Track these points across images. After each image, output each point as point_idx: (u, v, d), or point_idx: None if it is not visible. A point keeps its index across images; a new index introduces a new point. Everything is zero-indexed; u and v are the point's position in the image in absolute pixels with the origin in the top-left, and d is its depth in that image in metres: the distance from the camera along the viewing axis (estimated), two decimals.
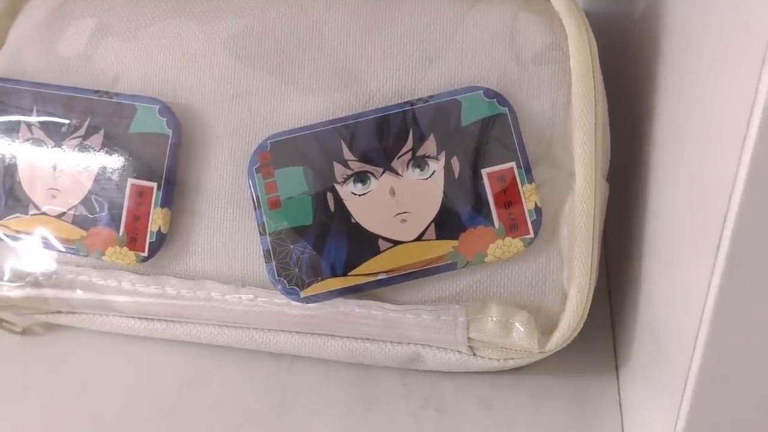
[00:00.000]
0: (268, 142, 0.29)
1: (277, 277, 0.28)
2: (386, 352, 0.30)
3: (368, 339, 0.30)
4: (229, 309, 0.30)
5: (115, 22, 0.31)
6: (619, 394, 0.30)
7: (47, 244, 0.31)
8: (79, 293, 0.31)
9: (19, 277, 0.31)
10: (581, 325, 0.27)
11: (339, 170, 0.28)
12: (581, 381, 0.30)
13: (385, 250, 0.28)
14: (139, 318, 0.32)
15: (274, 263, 0.28)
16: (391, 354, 0.30)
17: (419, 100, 0.28)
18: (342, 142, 0.28)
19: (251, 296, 0.29)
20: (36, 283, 0.31)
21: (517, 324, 0.27)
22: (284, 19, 0.30)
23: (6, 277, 0.31)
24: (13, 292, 0.31)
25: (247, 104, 0.29)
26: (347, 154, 0.28)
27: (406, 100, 0.28)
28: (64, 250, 0.30)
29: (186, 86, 0.30)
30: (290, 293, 0.28)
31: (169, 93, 0.30)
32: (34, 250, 0.31)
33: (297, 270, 0.28)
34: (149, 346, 0.32)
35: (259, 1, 0.30)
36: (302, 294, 0.28)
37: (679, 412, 0.21)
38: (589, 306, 0.27)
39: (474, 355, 0.29)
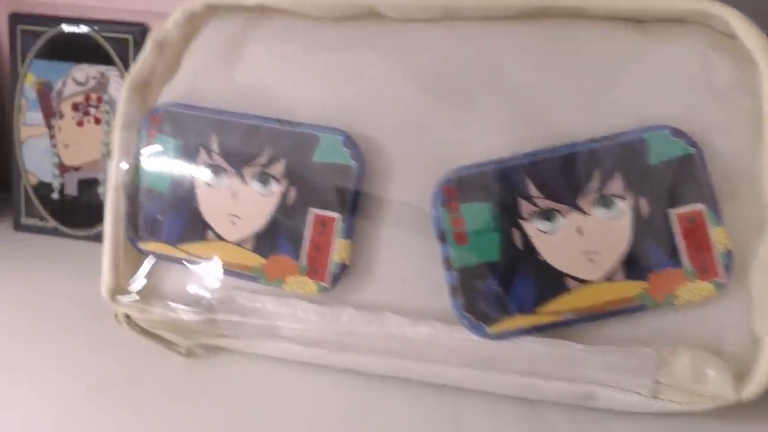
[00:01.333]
0: (453, 176, 0.29)
1: (463, 313, 0.28)
2: (559, 389, 0.30)
3: (541, 376, 0.30)
4: (405, 341, 0.30)
5: (294, 51, 0.31)
6: None
7: (225, 270, 0.31)
8: (251, 319, 0.31)
9: (194, 301, 0.32)
10: None
11: (525, 207, 0.28)
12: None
13: (574, 288, 0.28)
14: (306, 345, 0.32)
15: (460, 298, 0.28)
16: (564, 391, 0.30)
17: (605, 137, 0.28)
18: (528, 178, 0.28)
19: (432, 330, 0.29)
20: (210, 308, 0.32)
21: (709, 370, 0.27)
22: (466, 53, 0.30)
23: (182, 301, 0.32)
24: (188, 316, 0.32)
25: (430, 137, 0.29)
26: (533, 190, 0.28)
27: (590, 138, 0.29)
28: (242, 276, 0.31)
29: (368, 117, 0.30)
30: (477, 329, 0.28)
31: (352, 123, 0.30)
32: (211, 275, 0.31)
33: (484, 306, 0.28)
34: (312, 373, 0.33)
35: (440, 34, 0.30)
36: (489, 330, 0.28)
37: None
38: None
39: (655, 397, 0.29)
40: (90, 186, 0.42)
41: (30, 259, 0.41)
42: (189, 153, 0.31)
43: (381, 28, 0.30)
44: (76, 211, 0.42)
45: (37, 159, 0.42)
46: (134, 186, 0.32)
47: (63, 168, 0.42)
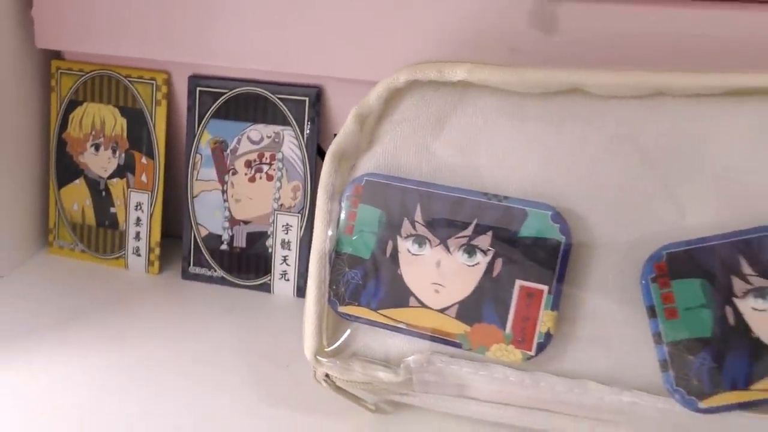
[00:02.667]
0: (663, 252, 0.30)
1: (675, 387, 0.29)
2: None
3: None
4: (606, 407, 0.31)
5: (497, 125, 0.32)
6: None
7: (427, 336, 0.32)
8: (448, 379, 0.33)
9: (393, 362, 0.33)
10: None
11: (738, 285, 0.29)
12: None
13: None
14: (493, 403, 0.33)
15: (671, 372, 0.29)
16: None
17: None
18: (740, 256, 0.29)
19: (635, 400, 0.30)
20: (408, 369, 0.33)
21: None
22: (676, 130, 0.31)
23: (381, 362, 0.33)
24: (387, 376, 0.33)
25: (640, 213, 0.30)
26: (746, 269, 0.29)
27: None
28: (445, 342, 0.32)
29: (577, 193, 0.31)
30: (689, 403, 0.29)
31: (559, 198, 0.31)
32: (412, 339, 0.33)
33: (696, 381, 0.29)
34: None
35: (649, 111, 0.31)
36: (701, 404, 0.29)
37: None
38: None
39: None
40: (258, 239, 0.43)
41: (199, 307, 0.43)
42: (392, 223, 0.33)
43: (589, 102, 0.32)
44: (243, 261, 0.44)
45: (208, 212, 0.44)
46: (336, 254, 0.34)
47: (233, 221, 0.44)
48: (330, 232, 0.34)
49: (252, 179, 0.43)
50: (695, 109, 0.31)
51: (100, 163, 0.46)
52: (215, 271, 0.44)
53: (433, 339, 0.32)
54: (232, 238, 0.44)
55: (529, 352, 0.31)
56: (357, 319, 0.34)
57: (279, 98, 0.42)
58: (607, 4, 0.35)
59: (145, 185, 0.45)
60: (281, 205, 0.43)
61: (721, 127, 0.30)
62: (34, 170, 0.47)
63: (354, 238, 0.33)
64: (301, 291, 0.43)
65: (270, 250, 0.43)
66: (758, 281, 0.29)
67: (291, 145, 0.42)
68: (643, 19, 0.34)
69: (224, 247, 0.44)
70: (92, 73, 0.45)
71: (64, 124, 0.46)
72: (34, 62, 0.46)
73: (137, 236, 0.45)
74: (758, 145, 0.30)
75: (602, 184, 0.31)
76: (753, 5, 0.34)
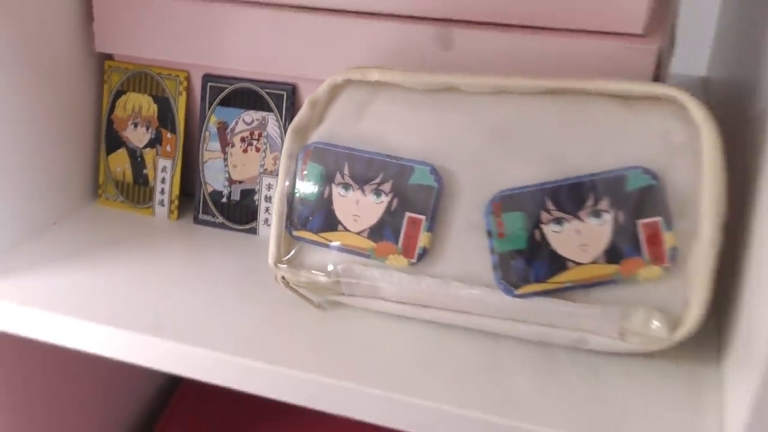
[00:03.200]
0: (498, 195, 0.45)
1: (500, 281, 0.45)
2: (563, 335, 0.45)
3: (551, 325, 0.45)
4: (462, 300, 0.46)
5: (399, 111, 0.48)
6: (720, 375, 0.44)
7: (348, 250, 0.48)
8: (363, 281, 0.48)
9: (326, 269, 0.49)
10: (699, 325, 0.42)
11: (544, 216, 0.44)
12: (693, 365, 0.45)
13: (571, 267, 0.44)
14: (397, 302, 0.49)
15: (499, 272, 0.45)
16: (566, 337, 0.45)
17: (598, 173, 0.44)
18: (546, 198, 0.44)
19: (479, 292, 0.46)
20: (336, 274, 0.49)
21: (654, 321, 0.42)
22: (513, 115, 0.46)
23: (318, 269, 0.49)
24: (321, 279, 0.49)
25: (486, 169, 0.46)
26: (550, 205, 0.44)
27: (588, 173, 0.44)
28: (359, 254, 0.48)
29: (447, 156, 0.46)
30: (508, 292, 0.44)
31: (435, 159, 0.47)
32: (339, 253, 0.49)
33: (514, 277, 0.44)
34: (400, 322, 0.49)
35: (497, 102, 0.46)
36: (516, 292, 0.44)
37: (756, 388, 0.35)
38: (705, 313, 0.42)
39: (623, 340, 0.44)
40: (249, 194, 0.60)
41: (205, 243, 0.59)
42: (329, 175, 0.49)
43: (458, 97, 0.47)
44: (237, 211, 0.60)
45: (213, 174, 0.60)
46: (292, 195, 0.50)
47: (231, 181, 0.60)
48: (287, 182, 0.50)
49: (245, 150, 0.59)
50: (525, 102, 0.46)
51: (138, 137, 0.62)
52: (217, 217, 0.61)
53: (352, 252, 0.48)
54: (230, 193, 0.60)
55: (412, 260, 0.47)
56: (304, 239, 0.50)
57: (266, 92, 0.58)
58: (484, 31, 0.51)
59: (169, 153, 0.61)
60: (265, 169, 0.59)
61: (541, 113, 0.46)
62: (89, 142, 0.64)
63: (304, 184, 0.49)
64: None
65: (257, 202, 0.59)
66: (556, 213, 0.44)
67: (273, 126, 0.58)
68: (505, 41, 0.50)
69: (224, 200, 0.60)
70: (134, 70, 0.62)
71: (112, 108, 0.63)
72: (93, 62, 0.63)
73: (162, 191, 0.62)
74: (562, 126, 0.45)
75: (465, 151, 0.46)
76: (566, 33, 0.49)
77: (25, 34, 0.55)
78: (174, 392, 0.83)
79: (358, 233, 0.48)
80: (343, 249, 0.48)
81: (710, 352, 0.47)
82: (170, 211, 0.62)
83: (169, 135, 0.61)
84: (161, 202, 0.62)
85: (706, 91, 0.92)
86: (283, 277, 0.50)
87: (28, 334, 0.52)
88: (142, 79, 0.61)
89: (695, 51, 1.00)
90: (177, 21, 0.58)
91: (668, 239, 0.43)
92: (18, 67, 0.55)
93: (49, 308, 0.50)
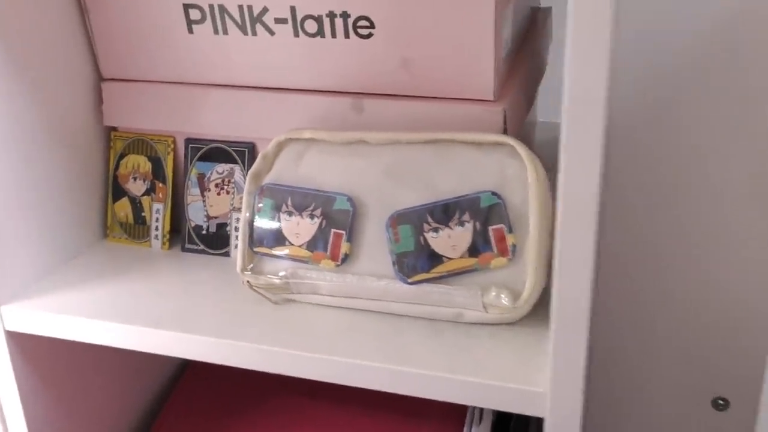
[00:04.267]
0: (395, 214, 0.64)
1: (398, 273, 0.64)
2: (446, 312, 0.64)
3: (436, 305, 0.64)
4: (374, 290, 0.65)
5: (326, 158, 0.68)
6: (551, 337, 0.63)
7: (293, 259, 0.67)
8: (305, 281, 0.67)
9: (277, 274, 0.68)
10: (535, 297, 0.61)
11: (426, 227, 0.64)
12: (536, 329, 0.64)
13: (446, 261, 0.63)
14: (330, 295, 0.68)
15: (396, 267, 0.64)
16: (449, 313, 0.64)
17: (461, 196, 0.64)
18: (427, 214, 0.64)
19: (385, 283, 0.65)
20: (286, 277, 0.68)
21: (503, 295, 0.62)
22: (402, 158, 0.66)
23: (273, 274, 0.68)
24: (276, 281, 0.68)
25: (384, 197, 0.65)
26: (429, 219, 0.64)
27: (455, 196, 0.64)
28: (301, 261, 0.67)
29: (358, 188, 0.66)
30: (403, 280, 0.64)
31: (350, 191, 0.66)
32: (287, 261, 0.68)
33: (407, 270, 0.63)
34: (334, 311, 0.68)
35: (392, 149, 0.66)
36: (409, 280, 0.63)
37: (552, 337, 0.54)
38: (537, 288, 0.61)
39: (486, 312, 0.63)
40: (222, 226, 0.79)
41: (191, 265, 0.78)
42: (277, 206, 0.68)
43: (365, 146, 0.67)
44: (214, 240, 0.79)
45: (195, 213, 0.79)
46: (252, 222, 0.69)
47: (209, 217, 0.79)
48: (248, 213, 0.69)
49: (219, 194, 0.78)
50: (412, 148, 0.66)
51: (137, 187, 0.81)
52: (200, 245, 0.79)
53: (296, 260, 0.67)
54: (208, 227, 0.79)
55: (337, 263, 0.66)
56: (261, 253, 0.69)
57: (232, 149, 0.78)
58: (384, 100, 0.71)
59: (161, 199, 0.81)
60: (234, 207, 0.78)
61: (422, 156, 0.65)
62: (99, 193, 0.83)
63: (260, 214, 0.69)
64: None
65: (228, 232, 0.78)
66: (434, 224, 0.64)
67: (239, 174, 0.78)
68: (397, 106, 0.70)
69: (204, 232, 0.79)
70: (133, 138, 0.81)
71: (117, 167, 0.82)
72: (101, 133, 0.82)
73: (156, 228, 0.81)
74: (436, 165, 0.65)
75: (370, 184, 0.66)
76: (439, 99, 0.69)
77: (50, 113, 0.75)
78: (174, 387, 1.01)
79: (299, 246, 0.67)
80: (289, 258, 0.68)
81: (547, 320, 0.66)
82: (163, 243, 0.81)
83: (160, 185, 0.80)
84: (156, 237, 0.81)
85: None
86: (248, 282, 0.69)
87: (62, 335, 0.70)
88: (140, 144, 0.81)
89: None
90: (165, 100, 0.78)
91: (510, 239, 0.62)
92: (44, 136, 0.74)
93: (77, 314, 0.69)
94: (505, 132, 0.68)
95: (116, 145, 0.82)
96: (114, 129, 0.83)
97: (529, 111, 0.79)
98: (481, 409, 0.81)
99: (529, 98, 0.78)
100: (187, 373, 0.98)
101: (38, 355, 0.76)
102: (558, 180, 0.51)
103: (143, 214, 0.81)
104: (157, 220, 0.81)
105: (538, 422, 0.61)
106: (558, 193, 0.51)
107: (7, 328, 0.71)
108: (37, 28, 0.72)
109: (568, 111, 0.48)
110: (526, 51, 0.79)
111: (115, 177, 0.82)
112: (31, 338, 0.74)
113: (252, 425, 0.91)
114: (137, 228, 0.82)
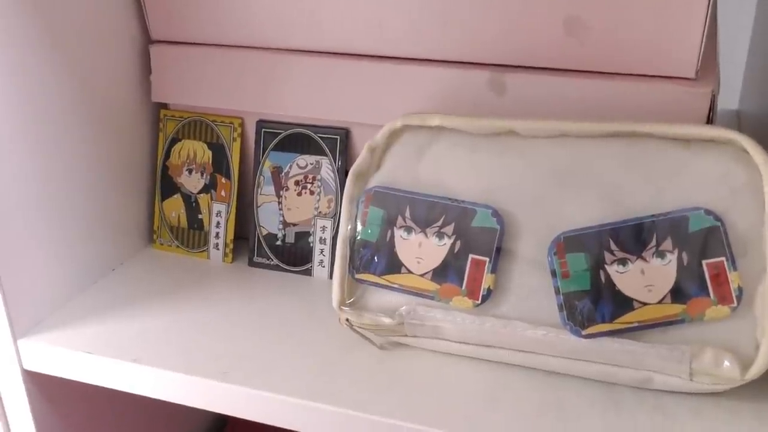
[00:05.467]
0: (561, 236, 0.46)
1: (567, 321, 0.45)
2: (629, 375, 0.46)
3: (616, 365, 0.46)
4: (527, 340, 0.47)
5: (459, 154, 0.49)
6: None
7: (412, 292, 0.49)
8: (427, 323, 0.49)
9: (390, 311, 0.50)
10: None
11: (608, 256, 0.45)
12: (761, 403, 0.45)
13: (638, 308, 0.44)
14: (460, 342, 0.49)
15: (565, 312, 0.45)
16: (632, 377, 0.46)
17: (660, 214, 0.45)
18: (609, 238, 0.45)
19: (545, 332, 0.46)
20: (401, 316, 0.49)
21: (725, 361, 0.43)
22: (573, 158, 0.47)
23: (382, 311, 0.50)
24: (386, 321, 0.49)
25: (547, 211, 0.47)
26: (613, 246, 0.45)
27: (650, 214, 0.45)
28: (423, 296, 0.49)
29: (508, 198, 0.47)
30: (575, 332, 0.45)
31: (497, 202, 0.47)
32: (403, 295, 0.49)
33: (580, 318, 0.45)
34: (463, 362, 0.50)
35: (556, 146, 0.47)
36: (584, 333, 0.45)
37: None
38: None
39: (691, 380, 0.44)
40: (303, 236, 0.61)
41: (261, 286, 0.60)
42: (390, 218, 0.50)
43: (516, 140, 0.48)
44: (292, 253, 0.61)
45: (267, 217, 0.61)
46: (354, 239, 0.51)
47: (285, 224, 0.61)
48: (350, 225, 0.51)
49: (299, 194, 0.60)
50: (586, 145, 0.47)
51: (192, 182, 0.64)
52: (272, 260, 0.62)
53: (416, 294, 0.49)
54: (284, 236, 0.61)
55: (476, 301, 0.47)
56: (367, 282, 0.50)
57: (319, 136, 0.59)
58: (536, 75, 0.52)
59: (224, 198, 0.63)
60: (319, 212, 0.60)
61: (601, 156, 0.47)
62: (145, 188, 0.65)
63: (366, 228, 0.50)
64: (332, 274, 0.60)
65: (311, 244, 0.60)
66: (620, 254, 0.45)
67: (327, 169, 0.59)
68: (557, 85, 0.51)
69: (279, 242, 0.61)
70: (188, 118, 0.63)
71: (167, 155, 0.64)
72: (149, 111, 0.64)
73: (217, 235, 0.63)
74: (621, 168, 0.46)
75: (525, 193, 0.47)
76: (618, 76, 0.50)
77: (83, 86, 0.57)
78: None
79: (422, 275, 0.49)
80: (407, 291, 0.49)
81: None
82: (225, 254, 0.63)
83: (223, 180, 0.62)
84: (216, 246, 0.63)
85: (740, 124, 0.92)
86: (347, 320, 0.50)
87: (95, 381, 0.52)
88: (197, 126, 0.63)
89: (726, 84, 1.01)
90: (230, 70, 0.60)
91: (734, 279, 0.43)
92: (76, 116, 0.57)
93: (114, 356, 0.51)
94: (710, 122, 0.49)
95: (167, 127, 0.64)
96: (164, 107, 0.65)
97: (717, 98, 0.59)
98: None
99: (719, 82, 0.58)
100: (231, 424, 0.81)
101: (63, 399, 0.58)
102: None
103: (200, 216, 0.63)
104: (218, 224, 0.63)
105: None
106: None
107: (26, 367, 0.54)
108: None
109: None
110: (714, 22, 0.59)
111: (165, 168, 0.64)
112: (54, 379, 0.56)
113: None
114: (192, 234, 0.64)
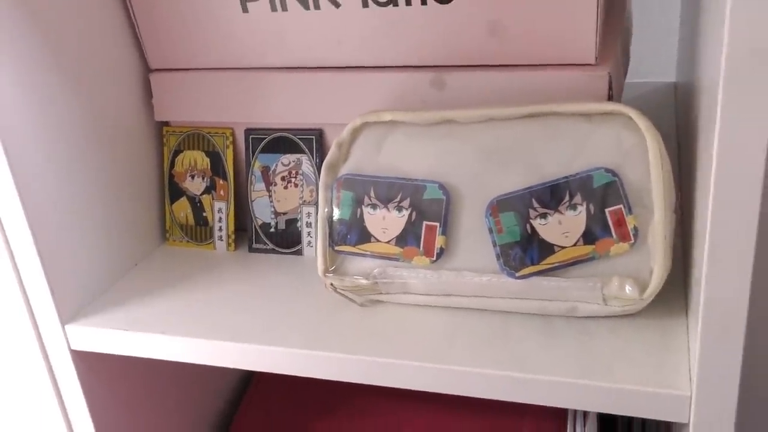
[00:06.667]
0: (495, 200, 0.57)
1: (504, 267, 0.56)
2: (558, 306, 0.57)
3: (547, 299, 0.57)
4: (475, 286, 0.58)
5: (409, 143, 0.60)
6: (687, 326, 0.56)
7: (381, 256, 0.60)
8: (396, 281, 0.60)
9: (365, 274, 0.61)
10: (661, 286, 0.54)
11: (532, 213, 0.56)
12: (665, 320, 0.57)
13: (558, 251, 0.56)
14: (424, 294, 0.61)
15: (501, 260, 0.57)
16: (561, 307, 0.57)
17: (571, 176, 0.56)
18: (532, 198, 0.56)
19: (488, 278, 0.57)
20: (374, 276, 0.61)
21: (627, 285, 0.54)
22: (500, 137, 0.58)
23: (359, 274, 0.61)
24: (363, 282, 0.61)
25: (483, 181, 0.58)
26: (536, 204, 0.56)
27: (563, 176, 0.56)
28: (390, 259, 0.60)
29: (451, 174, 0.59)
30: (511, 275, 0.56)
31: (442, 177, 0.59)
32: (374, 259, 0.61)
33: (514, 263, 0.56)
34: (429, 310, 0.61)
35: (486, 128, 0.59)
36: (517, 275, 0.56)
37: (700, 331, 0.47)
38: (665, 276, 0.54)
39: (606, 305, 0.56)
40: (292, 222, 0.72)
41: (261, 267, 0.72)
42: (358, 199, 0.61)
43: (455, 126, 0.59)
44: (284, 237, 0.72)
45: (261, 210, 0.73)
46: (331, 218, 0.62)
47: (276, 213, 0.72)
48: (326, 208, 0.62)
49: (286, 187, 0.72)
50: (508, 126, 0.58)
51: (195, 186, 0.75)
52: (268, 245, 0.73)
53: (385, 258, 0.60)
54: (276, 224, 0.72)
55: (432, 258, 0.59)
56: (344, 252, 0.62)
57: (298, 138, 0.71)
58: (469, 72, 0.63)
59: (223, 197, 0.74)
60: (304, 201, 0.71)
61: (523, 133, 0.58)
62: (155, 194, 0.77)
63: (340, 209, 0.62)
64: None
65: (300, 229, 0.72)
66: (541, 210, 0.56)
67: (307, 165, 0.71)
68: (486, 78, 0.62)
69: (272, 230, 0.73)
70: (187, 132, 0.75)
71: (172, 165, 0.76)
72: (154, 129, 0.76)
73: (220, 229, 0.74)
74: (539, 142, 0.57)
75: (464, 168, 0.58)
76: (534, 67, 0.61)
77: (96, 112, 0.68)
78: (246, 390, 0.95)
79: (388, 242, 0.60)
80: (377, 256, 0.61)
81: (679, 309, 0.58)
82: (228, 244, 0.74)
83: (221, 182, 0.74)
84: (220, 238, 0.75)
85: (676, 95, 1.03)
86: (331, 284, 0.62)
87: (131, 353, 0.64)
88: (195, 138, 0.74)
89: (667, 58, 1.12)
90: (219, 89, 0.71)
91: (630, 221, 0.55)
92: (92, 138, 0.68)
93: (145, 330, 0.63)
94: (610, 99, 0.61)
95: (170, 141, 0.76)
96: (166, 124, 0.76)
97: (625, 76, 0.70)
98: None
99: (625, 62, 0.70)
100: (255, 380, 0.93)
101: (106, 372, 0.70)
102: (692, 147, 0.43)
103: (204, 214, 0.75)
104: (220, 219, 0.74)
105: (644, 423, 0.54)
106: (711, 162, 0.43)
107: (73, 348, 0.66)
108: (76, 18, 0.66)
109: (728, 66, 0.40)
110: (617, 8, 0.70)
111: (171, 176, 0.76)
112: (98, 356, 0.68)
113: (336, 429, 0.85)
114: (199, 229, 0.75)
